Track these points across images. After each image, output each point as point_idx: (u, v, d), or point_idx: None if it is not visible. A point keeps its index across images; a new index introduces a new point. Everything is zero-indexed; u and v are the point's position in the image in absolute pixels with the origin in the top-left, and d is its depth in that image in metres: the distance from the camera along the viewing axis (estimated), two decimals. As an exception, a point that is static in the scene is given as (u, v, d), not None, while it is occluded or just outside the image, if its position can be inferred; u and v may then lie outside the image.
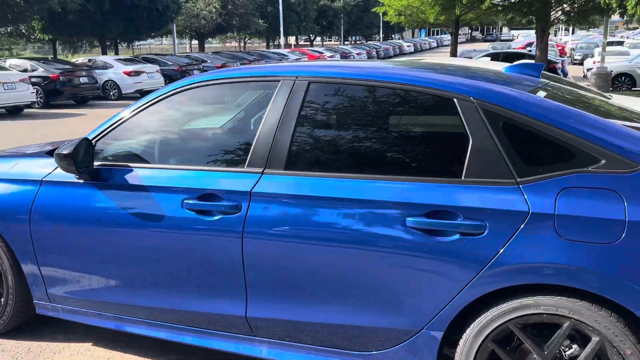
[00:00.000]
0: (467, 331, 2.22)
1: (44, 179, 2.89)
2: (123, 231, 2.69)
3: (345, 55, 41.64)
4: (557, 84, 2.96)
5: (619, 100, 5.29)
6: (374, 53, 47.98)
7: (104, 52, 30.72)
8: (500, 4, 15.87)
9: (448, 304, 2.21)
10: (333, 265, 2.36)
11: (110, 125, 2.87)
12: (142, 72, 19.17)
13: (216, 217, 2.50)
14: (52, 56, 32.34)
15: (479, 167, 2.22)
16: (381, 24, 59.53)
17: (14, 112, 15.01)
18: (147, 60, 23.29)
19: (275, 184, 2.46)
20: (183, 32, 38.22)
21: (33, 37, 40.35)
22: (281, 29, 45.72)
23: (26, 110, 15.25)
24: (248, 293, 2.52)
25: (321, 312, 2.43)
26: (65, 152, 2.63)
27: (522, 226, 2.10)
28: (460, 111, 2.30)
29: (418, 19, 18.12)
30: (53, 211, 2.84)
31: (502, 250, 2.11)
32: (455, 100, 2.32)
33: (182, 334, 2.73)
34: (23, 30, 43.81)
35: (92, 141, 2.82)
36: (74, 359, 2.96)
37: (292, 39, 73.60)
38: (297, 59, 33.61)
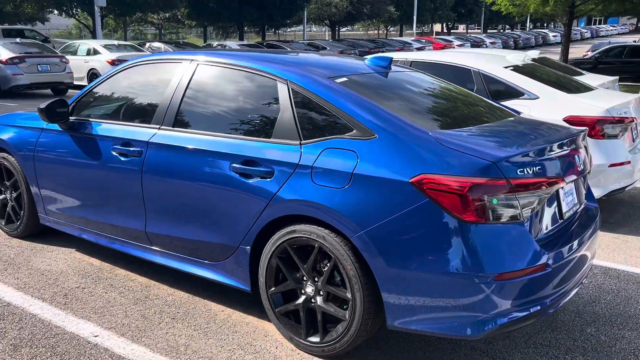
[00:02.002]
0: (264, 248, 3.05)
1: (44, 127, 4.14)
2: (81, 165, 3.84)
3: (477, 45, 40.81)
4: (395, 72, 3.58)
5: None
6: (511, 42, 46.32)
7: (241, 38, 33.46)
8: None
9: (252, 226, 3.05)
10: (189, 195, 3.30)
11: (84, 92, 4.04)
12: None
13: (129, 159, 3.56)
14: (204, 41, 35.54)
15: (282, 131, 3.03)
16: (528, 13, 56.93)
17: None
18: (270, 46, 25.15)
19: (164, 137, 3.44)
20: (315, 19, 40.00)
21: (187, 23, 44.49)
22: (414, 17, 45.68)
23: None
24: (146, 213, 3.55)
25: (186, 229, 3.38)
26: (41, 107, 3.84)
27: (293, 173, 2.89)
28: (278, 89, 3.12)
29: (528, 10, 17.56)
30: (45, 150, 4.08)
31: (280, 189, 2.91)
32: (277, 81, 3.14)
33: (114, 242, 3.84)
34: (179, 16, 48.35)
35: (73, 102, 4.01)
36: (58, 257, 4.20)
37: (437, 27, 72.73)
38: (420, 47, 33.79)
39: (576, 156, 3.04)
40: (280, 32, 54.65)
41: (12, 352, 2.91)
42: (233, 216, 3.13)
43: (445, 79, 6.01)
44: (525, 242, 2.57)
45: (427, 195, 2.53)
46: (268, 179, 2.97)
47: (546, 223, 2.77)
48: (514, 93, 5.38)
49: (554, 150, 2.81)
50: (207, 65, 3.50)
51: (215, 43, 24.74)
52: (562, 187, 2.90)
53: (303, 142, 2.94)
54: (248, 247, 3.11)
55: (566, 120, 5.05)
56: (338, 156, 2.79)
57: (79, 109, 4.03)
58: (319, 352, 2.92)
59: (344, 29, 69.93)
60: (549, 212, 2.79)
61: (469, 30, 74.14)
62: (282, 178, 2.92)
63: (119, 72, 3.96)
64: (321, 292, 2.90)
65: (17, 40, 16.46)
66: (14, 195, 4.47)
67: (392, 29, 63.57)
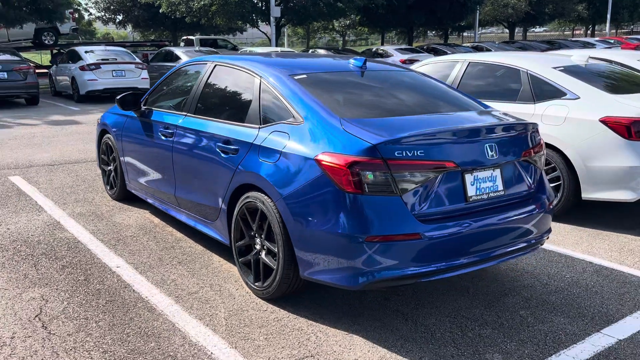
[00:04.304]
0: (234, 211, 3.83)
1: (128, 115, 5.38)
2: (143, 143, 4.99)
3: (680, 45, 36.33)
4: (371, 70, 4.09)
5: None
6: None
7: (410, 43, 34.06)
8: None
9: (226, 192, 3.85)
10: (195, 166, 4.20)
11: (154, 87, 5.19)
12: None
13: (167, 138, 4.59)
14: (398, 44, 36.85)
15: (251, 117, 3.80)
16: None
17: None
18: (432, 50, 25.41)
19: (187, 121, 4.40)
20: (491, 21, 38.94)
21: (359, 30, 46.20)
22: (608, 15, 42.16)
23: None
24: (175, 181, 4.54)
25: (195, 194, 4.29)
26: (117, 98, 5.05)
27: (248, 150, 3.63)
28: (254, 84, 3.89)
29: None
30: (127, 131, 5.31)
31: (241, 162, 3.68)
32: (254, 77, 3.91)
33: (162, 204, 4.91)
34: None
35: (147, 95, 5.18)
36: (132, 215, 5.42)
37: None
38: (606, 48, 31.15)
39: (498, 146, 3.32)
40: (464, 34, 53.96)
41: (59, 270, 4.09)
42: (217, 184, 3.96)
43: (497, 79, 6.24)
44: (399, 213, 3.01)
45: (323, 169, 3.11)
46: (235, 155, 3.75)
47: (437, 201, 3.13)
48: (557, 93, 5.41)
49: (454, 138, 3.17)
50: (220, 65, 4.38)
51: (374, 48, 25.82)
52: (470, 173, 3.23)
53: (261, 126, 3.67)
54: (225, 207, 3.92)
55: (602, 120, 5.00)
56: (277, 137, 3.48)
57: (150, 101, 5.19)
58: (261, 294, 3.62)
59: (540, 30, 66.36)
60: (443, 192, 3.16)
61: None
62: (243, 154, 3.68)
63: (176, 71, 5.04)
64: (264, 247, 3.60)
65: (196, 48, 19.13)
66: (113, 167, 5.81)
67: (593, 28, 58.84)
